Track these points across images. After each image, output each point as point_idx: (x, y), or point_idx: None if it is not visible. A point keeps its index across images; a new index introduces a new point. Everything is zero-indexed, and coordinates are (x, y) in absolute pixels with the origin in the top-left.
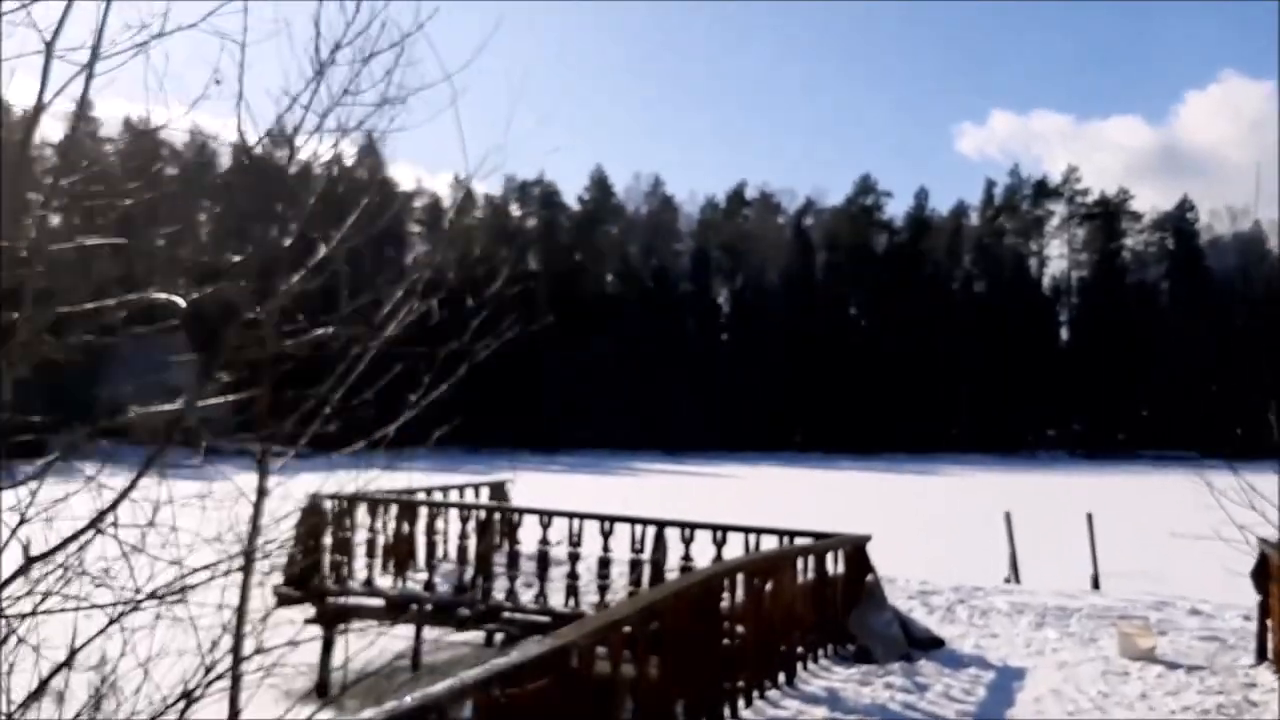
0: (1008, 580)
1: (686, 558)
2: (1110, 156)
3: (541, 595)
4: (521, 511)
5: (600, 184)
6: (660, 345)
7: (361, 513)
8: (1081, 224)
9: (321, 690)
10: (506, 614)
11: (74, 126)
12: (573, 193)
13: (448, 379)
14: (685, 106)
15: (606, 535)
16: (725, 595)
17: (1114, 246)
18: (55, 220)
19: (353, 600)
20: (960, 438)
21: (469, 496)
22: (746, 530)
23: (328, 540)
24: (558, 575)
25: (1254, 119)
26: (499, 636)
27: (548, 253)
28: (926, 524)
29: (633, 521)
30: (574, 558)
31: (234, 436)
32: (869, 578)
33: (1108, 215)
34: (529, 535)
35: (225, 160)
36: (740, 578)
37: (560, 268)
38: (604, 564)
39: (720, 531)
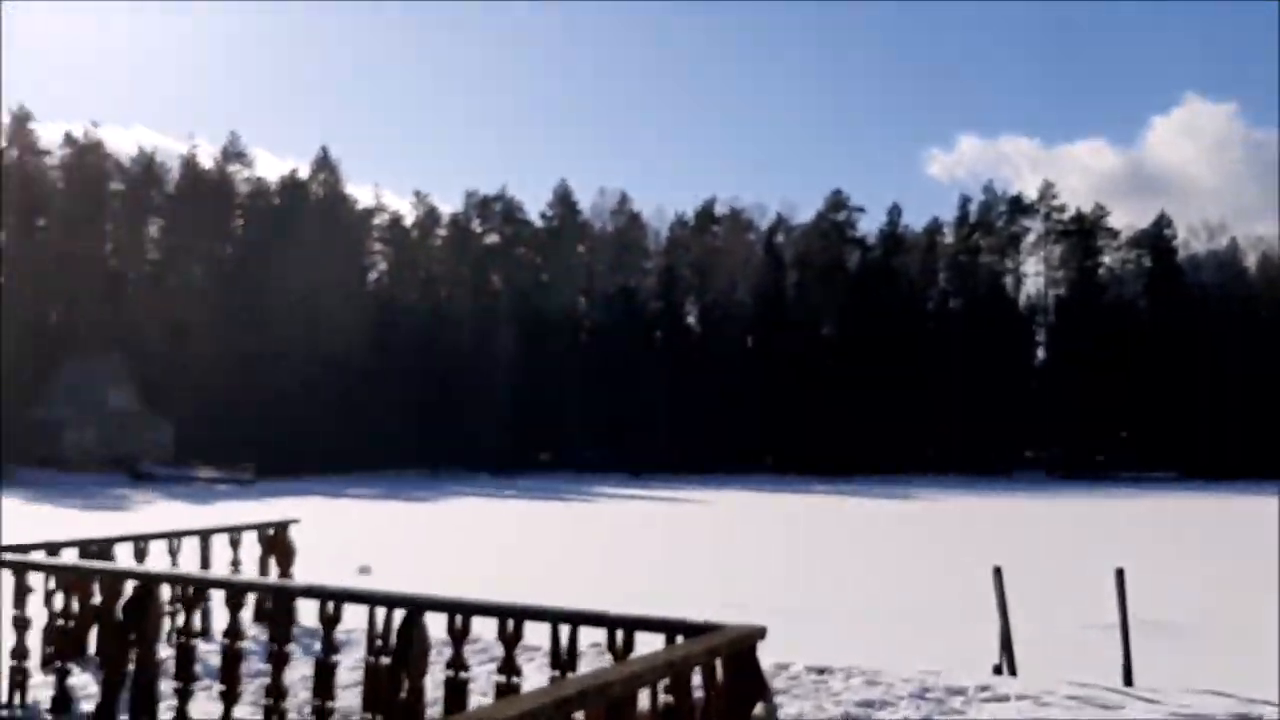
0: (998, 670)
1: (455, 663)
2: (1079, 179)
3: None
4: (195, 583)
5: (564, 199)
6: (626, 365)
7: None
8: (1058, 241)
9: None
10: None
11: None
12: (536, 209)
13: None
14: (652, 122)
15: (329, 625)
16: None
17: (1091, 264)
18: None
19: None
20: (936, 459)
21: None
22: (556, 618)
23: None
24: (248, 689)
25: (1217, 139)
26: None
27: (510, 270)
28: (892, 568)
29: (376, 602)
30: (279, 660)
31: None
32: (759, 708)
33: (1084, 232)
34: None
35: (174, 175)
36: None
37: (523, 285)
38: (324, 673)
39: (512, 619)
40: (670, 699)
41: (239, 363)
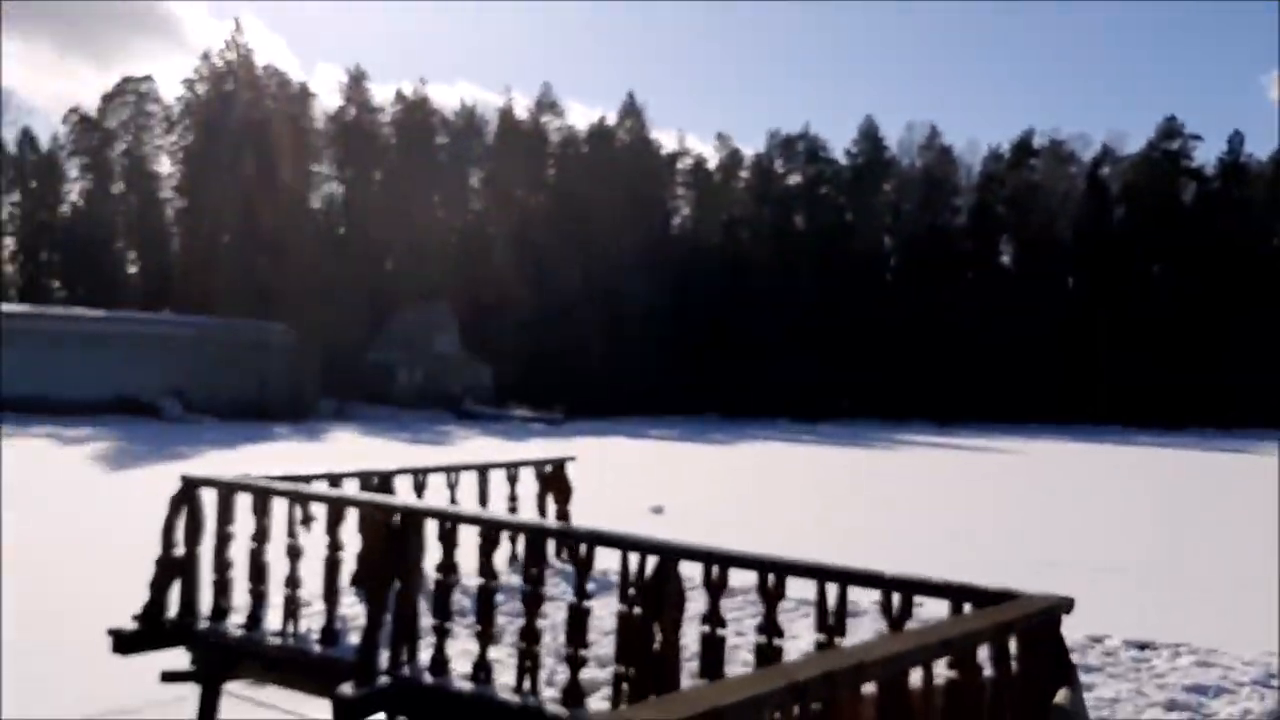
0: None
1: (712, 619)
2: None
3: (481, 668)
4: (452, 518)
5: (870, 136)
6: (934, 308)
7: (245, 508)
8: None
9: None
10: (428, 694)
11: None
12: (840, 147)
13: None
14: (962, 51)
15: (582, 568)
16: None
17: None
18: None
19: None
20: None
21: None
22: (824, 575)
23: (205, 548)
24: (507, 630)
25: None
26: None
27: (813, 210)
28: (1233, 532)
29: (628, 547)
30: (532, 601)
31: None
32: (1061, 695)
33: None
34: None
35: (492, 128)
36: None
37: (827, 226)
38: (577, 618)
39: (773, 574)
40: (953, 675)
41: (552, 308)
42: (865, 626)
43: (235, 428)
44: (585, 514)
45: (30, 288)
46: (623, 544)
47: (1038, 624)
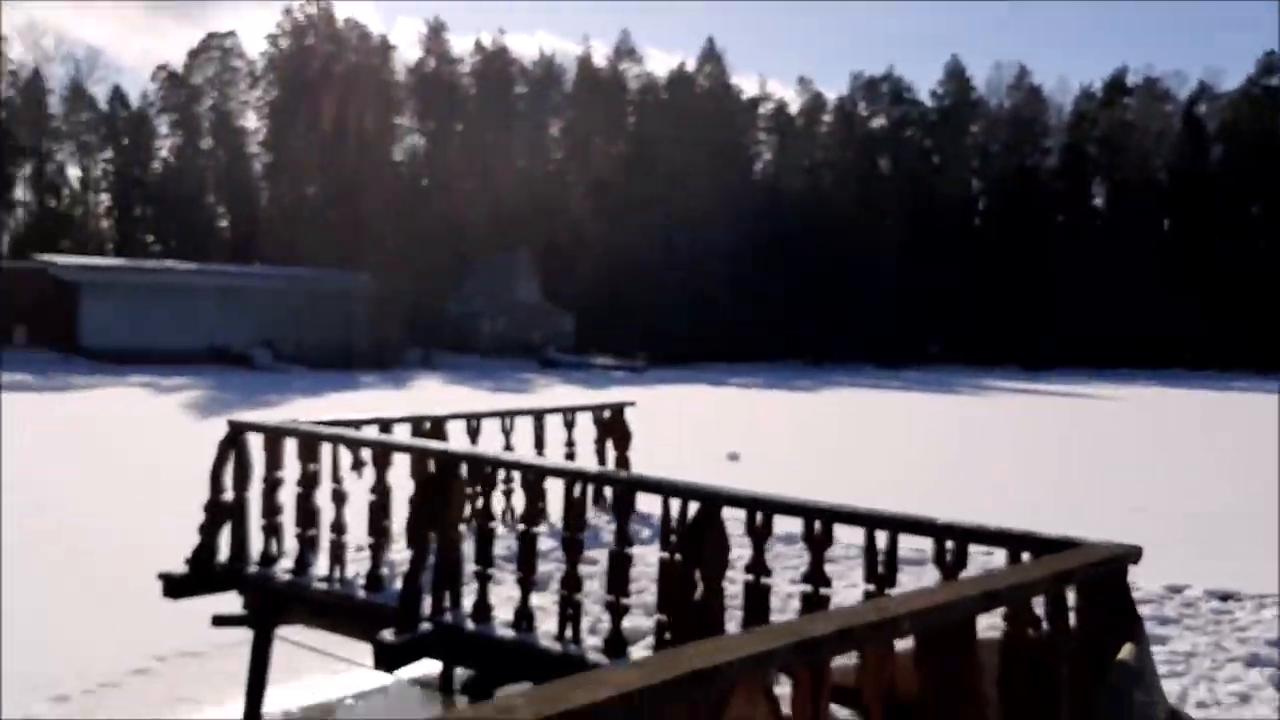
0: None
1: (756, 567)
2: None
3: (524, 615)
4: (490, 463)
5: (956, 76)
6: (1024, 251)
7: (292, 452)
8: None
9: None
10: (469, 641)
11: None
12: (925, 88)
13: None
14: None
15: (623, 514)
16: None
17: None
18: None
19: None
20: None
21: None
22: (871, 522)
23: (255, 493)
24: (551, 578)
25: None
26: (461, 671)
27: (897, 153)
28: None
29: (668, 493)
30: (573, 547)
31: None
32: (1125, 650)
33: None
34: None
35: (571, 77)
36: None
37: (912, 169)
38: (619, 565)
39: (820, 521)
40: (1006, 628)
41: (633, 256)
42: (929, 575)
43: (323, 376)
44: (659, 460)
45: (125, 242)
46: (663, 489)
47: (1100, 575)
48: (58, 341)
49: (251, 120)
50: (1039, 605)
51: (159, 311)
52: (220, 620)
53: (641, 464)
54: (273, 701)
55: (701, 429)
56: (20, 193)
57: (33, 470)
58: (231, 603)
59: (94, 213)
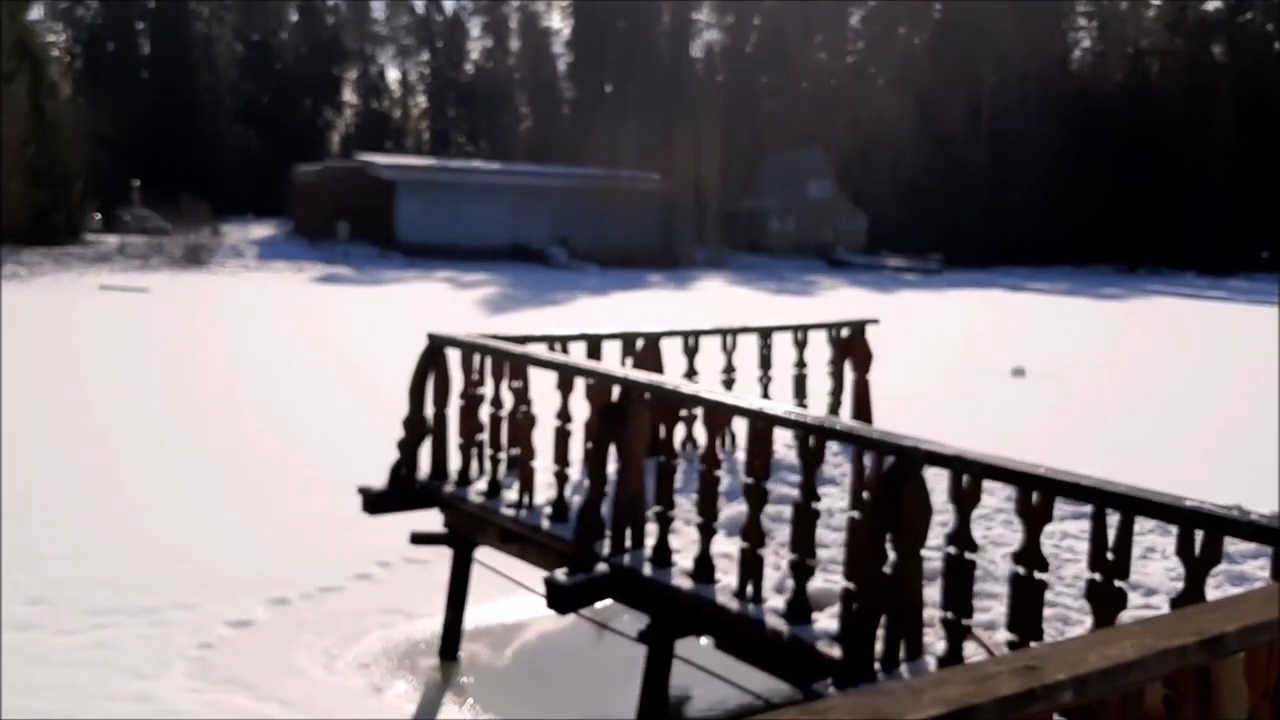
0: None
1: (959, 539)
2: None
3: (704, 565)
4: (670, 394)
5: None
6: None
7: (483, 370)
8: None
9: (447, 649)
10: (644, 587)
11: None
12: None
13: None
14: None
15: (812, 461)
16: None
17: None
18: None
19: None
20: None
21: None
22: (1100, 498)
23: (453, 410)
24: (732, 525)
25: None
26: (629, 619)
27: (1234, 40)
28: None
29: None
30: (755, 495)
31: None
32: None
33: None
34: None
35: None
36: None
37: (1251, 57)
38: (804, 520)
39: (1038, 491)
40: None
41: (934, 151)
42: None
43: (613, 275)
44: (926, 377)
45: (439, 142)
46: (856, 439)
47: None
48: (376, 236)
49: (556, 20)
50: None
51: (466, 209)
52: (419, 538)
53: (900, 382)
54: (473, 618)
55: (988, 339)
56: (347, 94)
57: (321, 359)
58: (430, 521)
59: (412, 114)
